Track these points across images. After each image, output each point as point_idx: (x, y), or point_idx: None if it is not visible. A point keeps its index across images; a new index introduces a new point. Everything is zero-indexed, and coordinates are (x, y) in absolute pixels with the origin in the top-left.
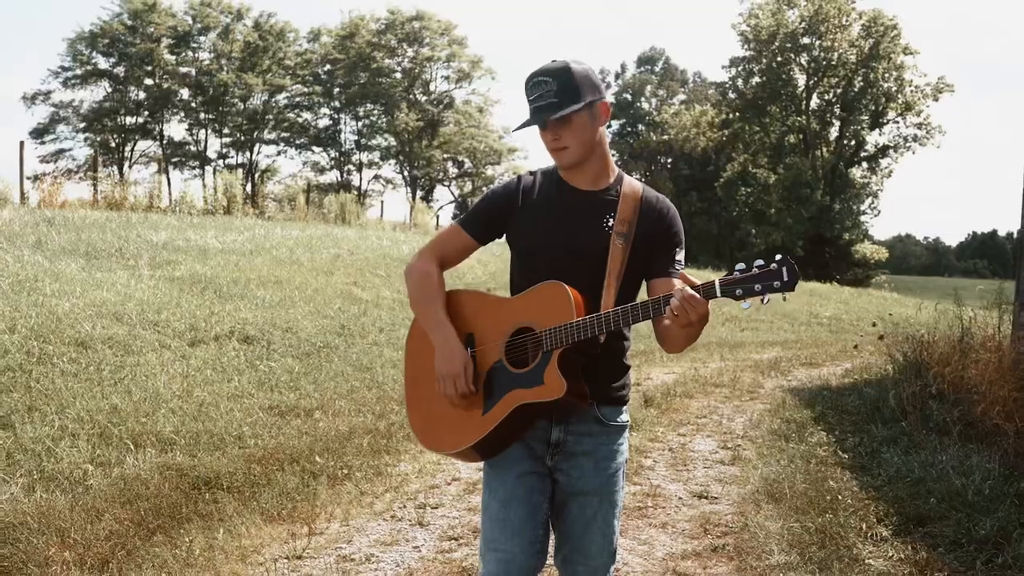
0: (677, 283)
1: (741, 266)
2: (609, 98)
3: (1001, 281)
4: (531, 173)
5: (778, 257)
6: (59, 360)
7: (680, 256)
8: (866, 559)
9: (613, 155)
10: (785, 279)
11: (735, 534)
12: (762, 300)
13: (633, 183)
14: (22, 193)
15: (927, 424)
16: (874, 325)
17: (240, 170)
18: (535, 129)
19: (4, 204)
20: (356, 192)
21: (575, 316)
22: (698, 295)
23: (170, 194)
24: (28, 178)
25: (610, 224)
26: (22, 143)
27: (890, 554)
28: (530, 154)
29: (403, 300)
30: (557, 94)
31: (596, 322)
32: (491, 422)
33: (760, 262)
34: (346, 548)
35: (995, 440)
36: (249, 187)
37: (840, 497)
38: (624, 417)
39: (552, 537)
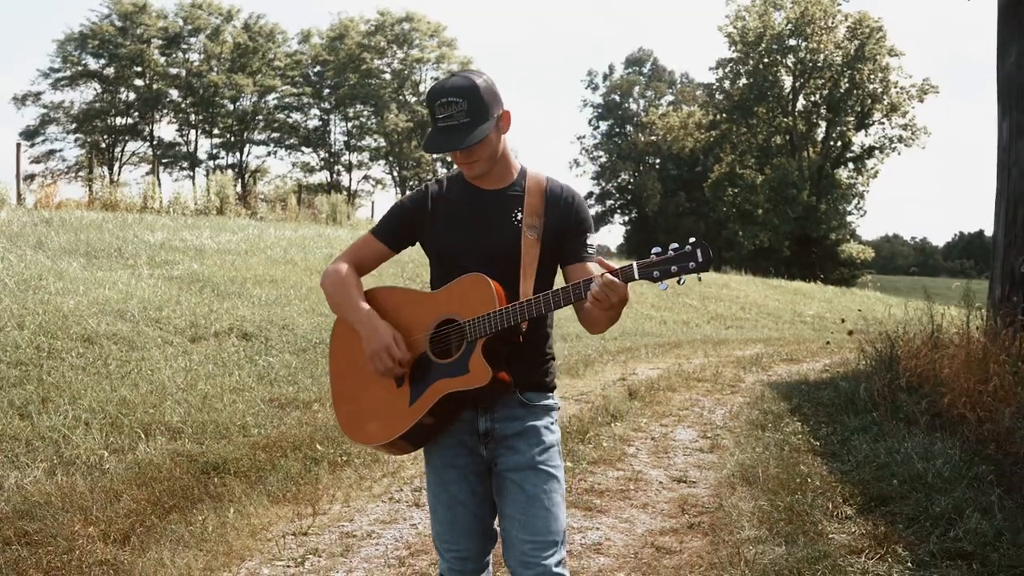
0: (594, 268)
1: (657, 249)
2: (507, 106)
3: (967, 281)
4: (438, 181)
5: (692, 239)
6: (67, 355)
7: (590, 240)
8: (829, 534)
9: (601, 157)
10: (699, 260)
11: (710, 513)
12: (678, 281)
13: (537, 176)
14: (19, 194)
15: (896, 415)
16: (842, 321)
17: (230, 171)
18: (532, 130)
19: (2, 205)
20: (346, 192)
21: (497, 305)
22: (617, 279)
23: (160, 195)
24: (23, 179)
25: (519, 219)
26: (19, 145)
27: (852, 530)
28: (519, 154)
29: None
30: (468, 113)
31: (519, 309)
32: (418, 412)
33: (675, 245)
34: (348, 526)
35: (959, 428)
36: (239, 188)
37: (809, 480)
38: (549, 401)
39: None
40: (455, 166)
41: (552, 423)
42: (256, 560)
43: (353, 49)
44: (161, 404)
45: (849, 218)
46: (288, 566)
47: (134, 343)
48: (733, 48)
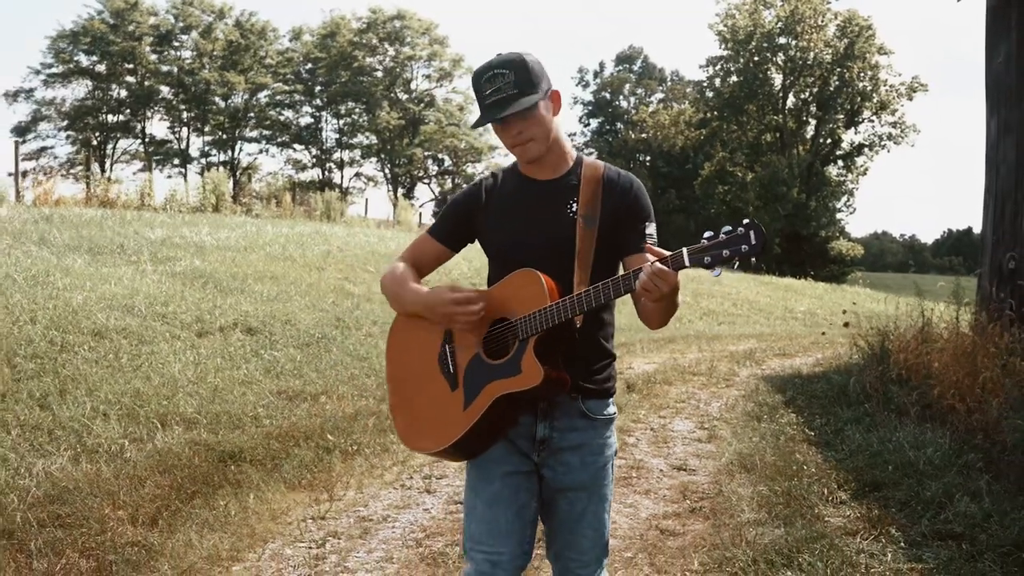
0: (648, 257)
1: (708, 234)
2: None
3: (957, 277)
4: (492, 174)
5: (745, 221)
6: (80, 349)
7: (651, 230)
8: (826, 517)
9: (591, 154)
10: (753, 242)
11: (711, 498)
12: (732, 266)
13: (594, 164)
14: (17, 191)
15: (888, 406)
16: (844, 312)
17: (222, 168)
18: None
19: (1, 202)
20: (338, 189)
21: (549, 301)
22: (666, 267)
23: (139, 192)
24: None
25: (574, 209)
26: (16, 143)
27: (847, 513)
28: (509, 153)
29: None
30: (516, 85)
31: (568, 304)
32: (473, 416)
33: (727, 228)
34: (364, 511)
35: (948, 419)
36: (231, 185)
37: (805, 467)
38: (611, 410)
39: (542, 532)
40: (507, 160)
41: (610, 436)
42: (279, 542)
43: (345, 47)
44: (174, 396)
45: (839, 215)
46: (310, 547)
47: (143, 337)
48: (723, 46)
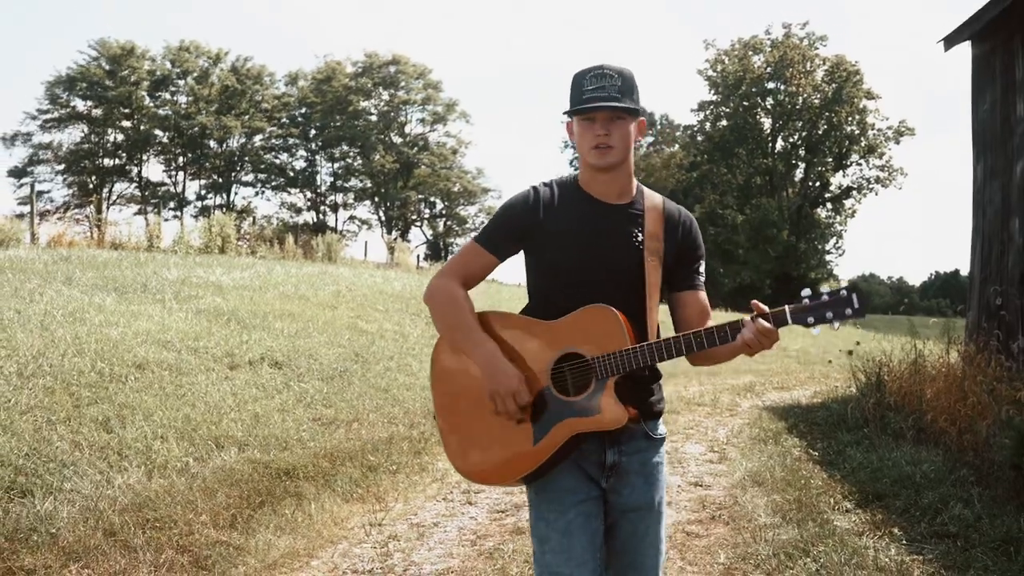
0: (704, 297)
1: (808, 292)
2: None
3: (946, 319)
4: (546, 184)
5: (847, 284)
6: (127, 379)
7: (702, 268)
8: (834, 521)
9: None
10: (856, 306)
11: (728, 508)
12: (832, 327)
13: (652, 196)
14: (33, 233)
15: (885, 430)
16: (851, 351)
17: (218, 211)
18: (511, 165)
19: (18, 243)
20: (334, 232)
21: (628, 342)
22: (770, 324)
23: (146, 233)
24: (14, 217)
25: (640, 240)
26: (33, 185)
27: (853, 518)
28: (503, 194)
29: (405, 332)
30: (621, 90)
31: (657, 350)
32: (544, 453)
33: (828, 290)
34: (415, 519)
35: (941, 440)
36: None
37: (812, 481)
38: (663, 429)
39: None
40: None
41: (664, 454)
42: (346, 544)
43: (340, 91)
44: (220, 422)
45: (828, 257)
46: (374, 547)
47: (180, 369)
48: (713, 91)
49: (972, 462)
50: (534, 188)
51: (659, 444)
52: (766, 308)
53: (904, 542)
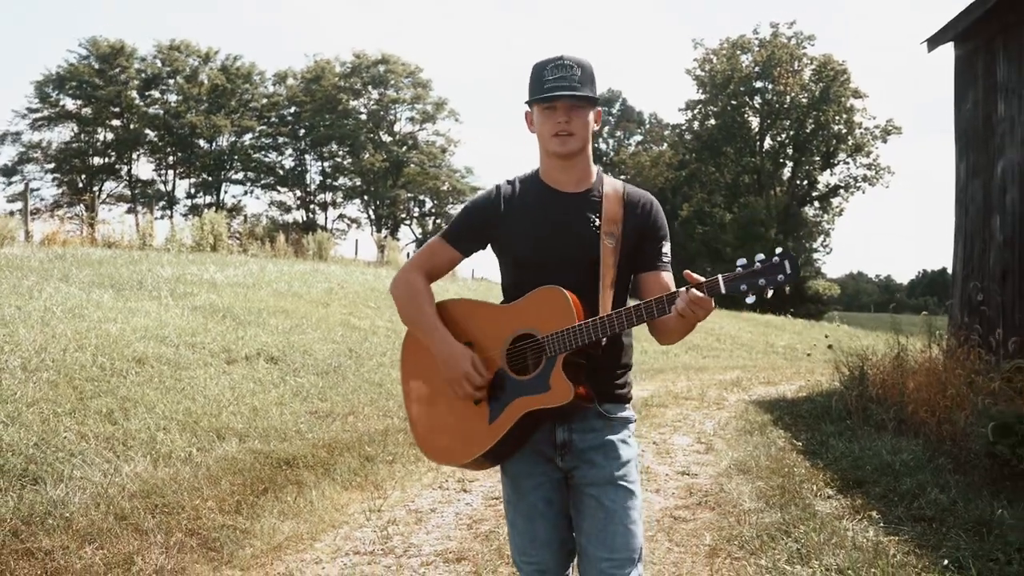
0: (668, 277)
1: (742, 261)
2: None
3: (930, 316)
4: (509, 181)
5: (779, 250)
6: (128, 373)
7: (666, 249)
8: (815, 506)
9: None
10: (788, 271)
11: (714, 495)
12: (765, 294)
13: (613, 182)
14: (27, 232)
15: (867, 421)
16: (826, 336)
17: (208, 210)
18: (499, 157)
19: (12, 242)
20: (324, 230)
21: (576, 320)
22: (703, 294)
23: (138, 231)
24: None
25: (597, 224)
26: (27, 184)
27: (835, 504)
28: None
29: (398, 329)
30: (581, 81)
31: (600, 325)
32: (499, 431)
33: (761, 256)
34: (412, 505)
35: (921, 430)
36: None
37: (795, 470)
38: (627, 413)
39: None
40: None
41: (630, 436)
42: (347, 528)
43: (329, 90)
44: (220, 414)
45: (815, 256)
46: (375, 531)
47: (179, 364)
48: (701, 90)
49: (950, 451)
50: (496, 186)
51: (619, 424)
52: (700, 278)
53: (882, 524)
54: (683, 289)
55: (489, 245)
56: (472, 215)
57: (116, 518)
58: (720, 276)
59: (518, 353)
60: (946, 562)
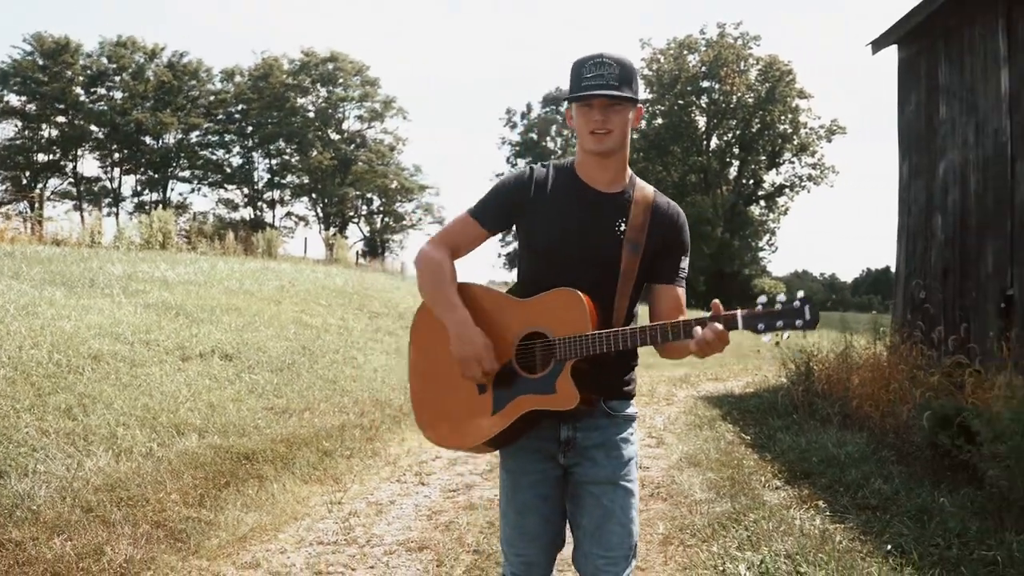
0: (682, 294)
1: (763, 299)
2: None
3: (876, 314)
4: (543, 165)
5: (800, 295)
6: (84, 370)
7: (685, 264)
8: (764, 496)
9: None
10: (807, 319)
11: (666, 486)
12: (781, 336)
13: (644, 187)
14: None
15: (813, 416)
16: (776, 343)
17: (156, 207)
18: (447, 155)
19: None
20: (272, 228)
21: (590, 327)
22: (722, 327)
23: (86, 229)
24: None
25: (622, 229)
26: None
27: (782, 494)
28: (441, 191)
29: (348, 326)
30: (619, 79)
31: (614, 339)
32: (501, 423)
33: (782, 298)
34: (372, 497)
35: (866, 424)
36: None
37: (744, 462)
38: (631, 410)
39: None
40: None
41: (632, 434)
42: (309, 520)
43: (277, 88)
44: (178, 410)
45: (761, 254)
46: (336, 522)
47: (134, 361)
48: (649, 90)
49: (893, 443)
50: (530, 167)
51: (623, 422)
52: (723, 311)
53: (828, 513)
54: (707, 321)
55: (515, 227)
56: (501, 194)
57: (83, 510)
58: (739, 312)
59: (528, 350)
60: (889, 547)
